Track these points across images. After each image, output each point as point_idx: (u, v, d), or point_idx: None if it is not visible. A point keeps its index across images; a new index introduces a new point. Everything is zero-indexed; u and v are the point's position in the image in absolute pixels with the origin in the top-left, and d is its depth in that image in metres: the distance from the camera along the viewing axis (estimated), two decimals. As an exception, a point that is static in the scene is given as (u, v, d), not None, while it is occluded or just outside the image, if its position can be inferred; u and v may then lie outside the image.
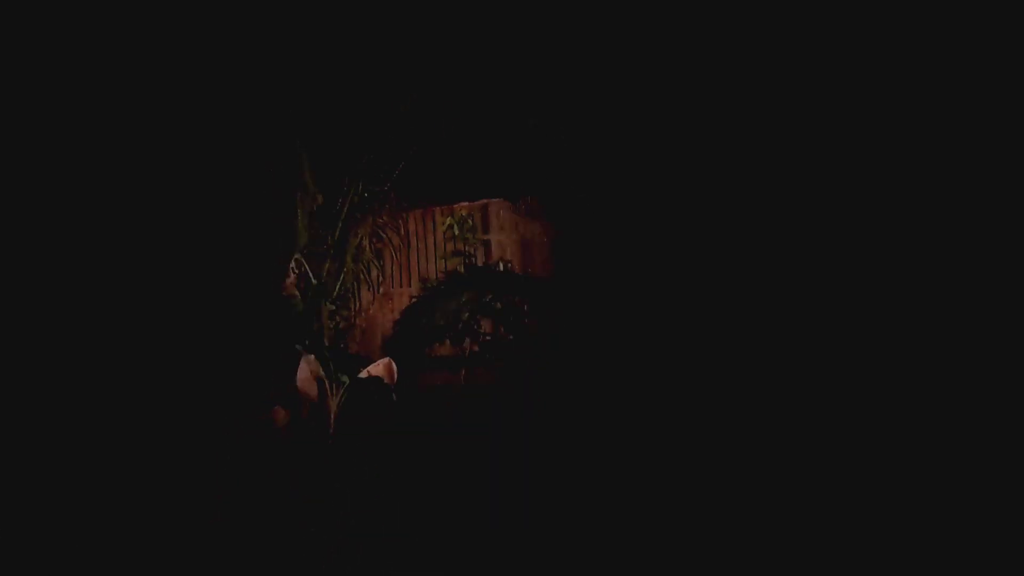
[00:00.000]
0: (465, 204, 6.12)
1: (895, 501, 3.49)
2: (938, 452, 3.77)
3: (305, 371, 5.23)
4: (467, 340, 5.60)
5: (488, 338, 5.76)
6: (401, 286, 6.31)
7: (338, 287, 6.08)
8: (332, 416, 4.94)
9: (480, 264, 5.95)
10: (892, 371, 4.28)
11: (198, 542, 3.81)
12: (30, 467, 4.12)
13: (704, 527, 3.46)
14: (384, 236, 6.24)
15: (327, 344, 5.82)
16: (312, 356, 5.17)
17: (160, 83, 5.10)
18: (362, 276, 6.19)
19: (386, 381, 5.07)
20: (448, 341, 5.64)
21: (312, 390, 5.21)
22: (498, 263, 5.86)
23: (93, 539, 3.76)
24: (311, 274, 6.06)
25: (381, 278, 6.29)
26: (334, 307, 6.09)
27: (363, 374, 5.02)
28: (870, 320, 4.47)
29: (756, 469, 3.94)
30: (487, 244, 6.10)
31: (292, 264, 6.03)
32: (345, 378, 4.92)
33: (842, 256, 4.66)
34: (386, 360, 5.19)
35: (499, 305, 5.59)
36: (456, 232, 6.01)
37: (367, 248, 6.17)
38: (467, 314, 5.45)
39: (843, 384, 4.30)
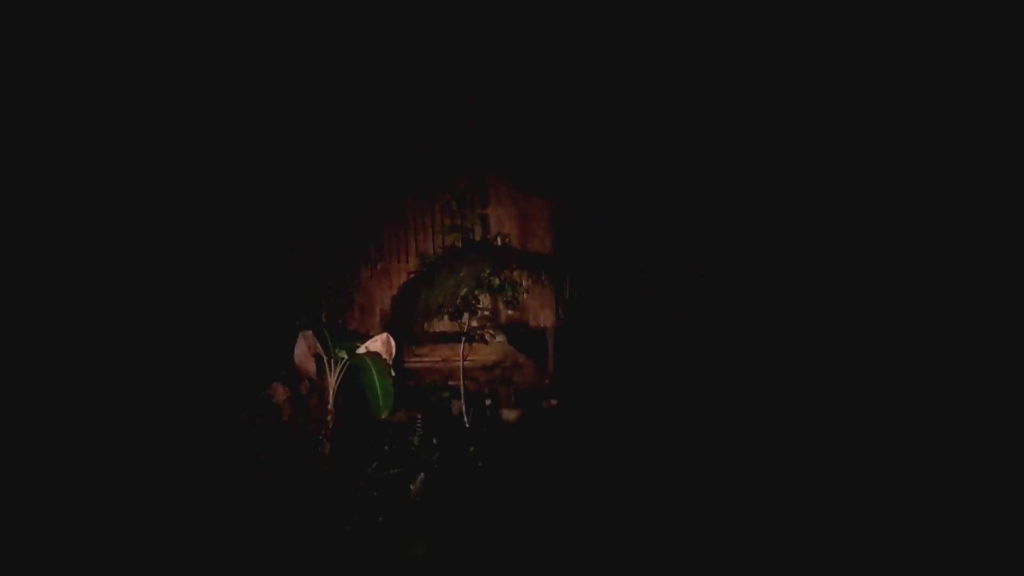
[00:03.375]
0: (463, 178, 6.04)
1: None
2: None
3: (302, 347, 5.21)
4: (465, 315, 5.57)
5: (487, 313, 5.73)
6: (399, 262, 6.25)
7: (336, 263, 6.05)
8: (331, 393, 4.92)
9: (478, 239, 5.89)
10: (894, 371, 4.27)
11: (198, 528, 3.82)
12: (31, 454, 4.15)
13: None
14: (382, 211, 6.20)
15: (325, 320, 5.80)
16: (310, 332, 5.14)
17: (170, 85, 5.22)
18: (359, 252, 6.16)
19: (384, 357, 5.04)
20: (446, 316, 5.61)
21: (310, 366, 5.19)
22: (496, 238, 5.79)
23: (92, 525, 3.78)
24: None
25: (379, 254, 6.25)
26: (332, 283, 6.07)
27: (361, 350, 4.98)
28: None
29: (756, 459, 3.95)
30: (485, 219, 6.04)
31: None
32: (343, 354, 4.88)
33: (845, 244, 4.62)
34: (384, 336, 5.14)
35: (497, 280, 5.55)
36: (454, 207, 5.94)
37: (365, 223, 6.13)
38: (465, 289, 5.40)
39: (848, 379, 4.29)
